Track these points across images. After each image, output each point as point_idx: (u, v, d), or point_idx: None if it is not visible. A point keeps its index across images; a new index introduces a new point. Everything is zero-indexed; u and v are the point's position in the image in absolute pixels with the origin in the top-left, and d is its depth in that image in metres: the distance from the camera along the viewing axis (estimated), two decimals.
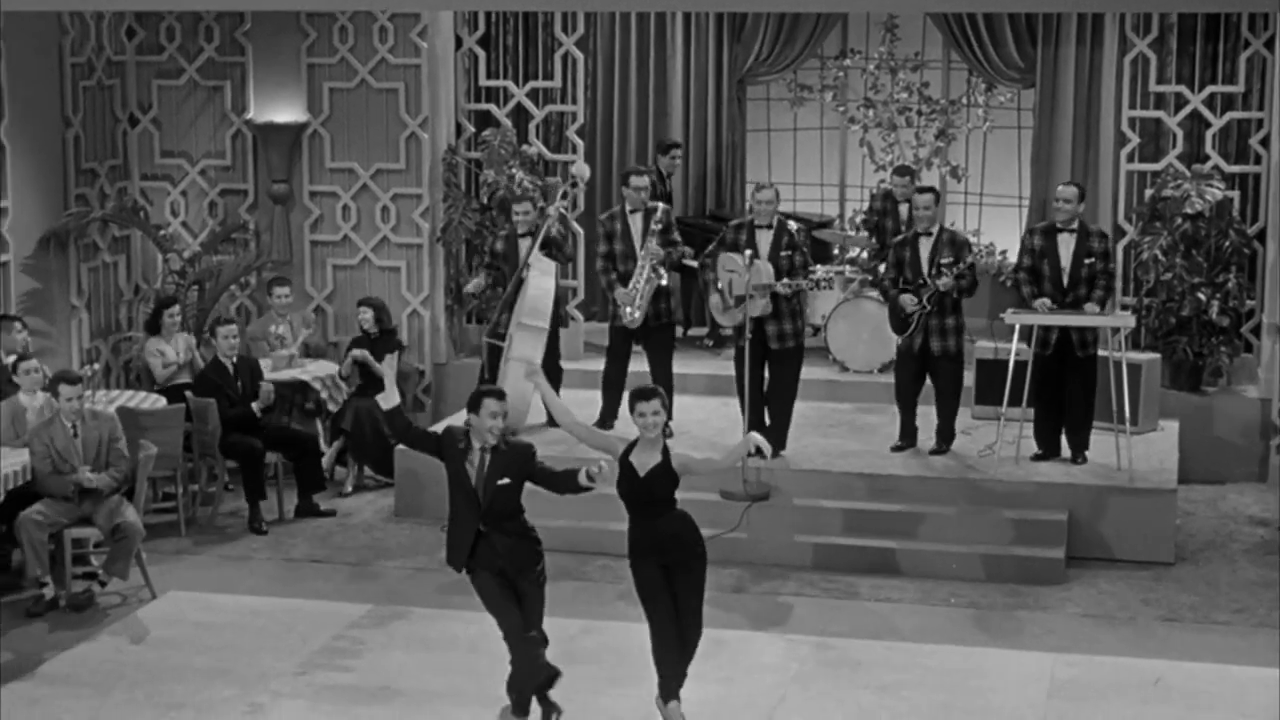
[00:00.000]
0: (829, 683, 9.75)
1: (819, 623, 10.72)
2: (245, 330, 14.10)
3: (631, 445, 8.68)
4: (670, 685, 8.77)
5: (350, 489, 13.46)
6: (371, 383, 13.11)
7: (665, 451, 8.66)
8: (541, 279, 12.79)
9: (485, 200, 14.57)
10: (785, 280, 12.10)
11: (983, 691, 9.63)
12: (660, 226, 12.74)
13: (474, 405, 8.53)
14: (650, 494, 8.63)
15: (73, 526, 10.93)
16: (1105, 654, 10.17)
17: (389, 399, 8.91)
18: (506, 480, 8.63)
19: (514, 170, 14.40)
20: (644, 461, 8.64)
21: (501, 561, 8.65)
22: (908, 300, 12.22)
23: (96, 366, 13.79)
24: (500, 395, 8.67)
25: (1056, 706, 9.40)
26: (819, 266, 14.37)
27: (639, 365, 12.92)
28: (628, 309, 12.73)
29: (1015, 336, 12.26)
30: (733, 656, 10.14)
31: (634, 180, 12.86)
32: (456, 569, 8.82)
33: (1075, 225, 12.15)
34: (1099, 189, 14.92)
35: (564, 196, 13.58)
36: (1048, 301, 12.05)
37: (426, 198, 14.59)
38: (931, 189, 12.76)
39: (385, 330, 13.75)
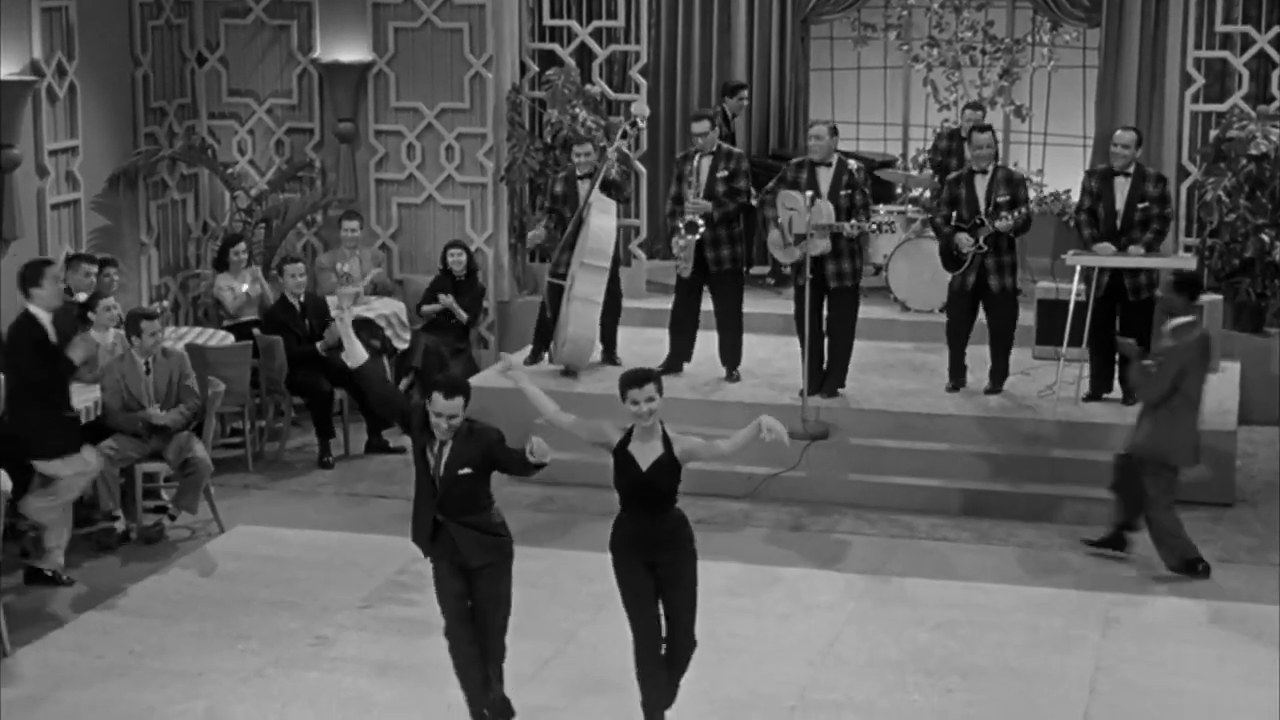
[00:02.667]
0: (884, 620, 9.85)
1: (875, 561, 10.81)
2: (314, 263, 14.29)
3: (628, 433, 7.87)
4: (655, 705, 7.97)
5: None
6: (445, 322, 13.37)
7: (666, 440, 7.85)
8: (602, 218, 12.84)
9: (549, 140, 14.63)
10: (852, 222, 12.08)
11: (1039, 629, 9.70)
12: (726, 174, 12.72)
13: (426, 393, 7.89)
14: (654, 489, 7.83)
15: (143, 461, 11.12)
16: (1160, 594, 10.22)
17: (353, 355, 8.19)
18: (468, 470, 7.83)
19: (577, 110, 14.46)
20: (645, 452, 7.82)
21: (459, 557, 7.92)
22: (964, 240, 12.21)
23: (166, 303, 13.99)
24: (450, 394, 7.76)
25: (1110, 646, 9.46)
26: (880, 207, 14.37)
27: (710, 305, 12.99)
28: (679, 261, 12.81)
29: (1076, 278, 12.26)
30: (790, 593, 10.26)
31: (693, 126, 12.87)
32: (423, 554, 8.16)
33: (1132, 169, 12.14)
34: (1163, 130, 14.85)
35: (624, 136, 13.61)
36: (1110, 246, 12.05)
37: (490, 137, 14.68)
38: (989, 127, 12.74)
39: (471, 272, 13.93)
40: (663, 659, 7.91)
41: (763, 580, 10.43)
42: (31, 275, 10.17)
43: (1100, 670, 9.11)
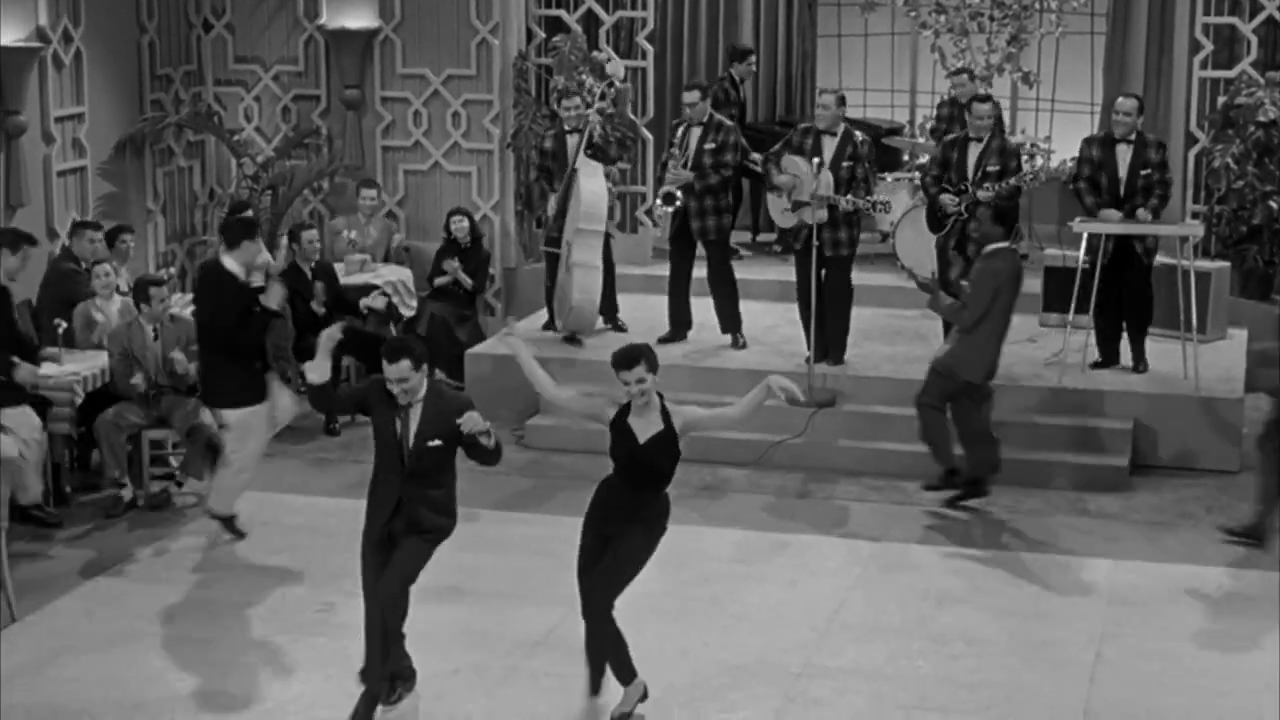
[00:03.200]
0: (890, 587, 9.87)
1: (880, 527, 10.83)
2: (327, 226, 14.31)
3: (627, 406, 7.74)
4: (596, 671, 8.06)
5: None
6: (451, 290, 13.39)
7: (665, 414, 7.72)
8: (591, 182, 12.82)
9: (555, 106, 14.62)
10: (848, 198, 12.08)
11: (1043, 597, 9.72)
12: (714, 145, 12.70)
13: (434, 361, 7.68)
14: (650, 465, 7.72)
15: (150, 428, 11.15)
16: (1167, 561, 10.23)
17: (319, 370, 8.10)
18: (438, 443, 7.69)
19: (584, 76, 14.45)
20: (643, 426, 7.71)
21: (398, 529, 7.86)
22: (948, 201, 12.22)
23: (173, 270, 14.00)
24: (394, 357, 7.58)
25: (1116, 612, 9.48)
26: (887, 175, 14.35)
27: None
28: (656, 229, 12.87)
29: (1083, 245, 12.25)
30: (796, 559, 10.28)
31: (685, 95, 12.88)
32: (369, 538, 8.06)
33: (1133, 136, 12.12)
34: (1171, 96, 14.81)
35: (602, 98, 13.59)
36: (1116, 213, 12.04)
37: (497, 104, 14.66)
38: (989, 97, 12.72)
39: (476, 238, 13.93)
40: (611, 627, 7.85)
41: (768, 547, 10.45)
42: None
43: (1105, 636, 9.13)
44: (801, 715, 8.24)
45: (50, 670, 8.71)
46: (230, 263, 10.16)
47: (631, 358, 7.63)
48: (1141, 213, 11.98)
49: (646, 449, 7.66)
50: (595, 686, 8.07)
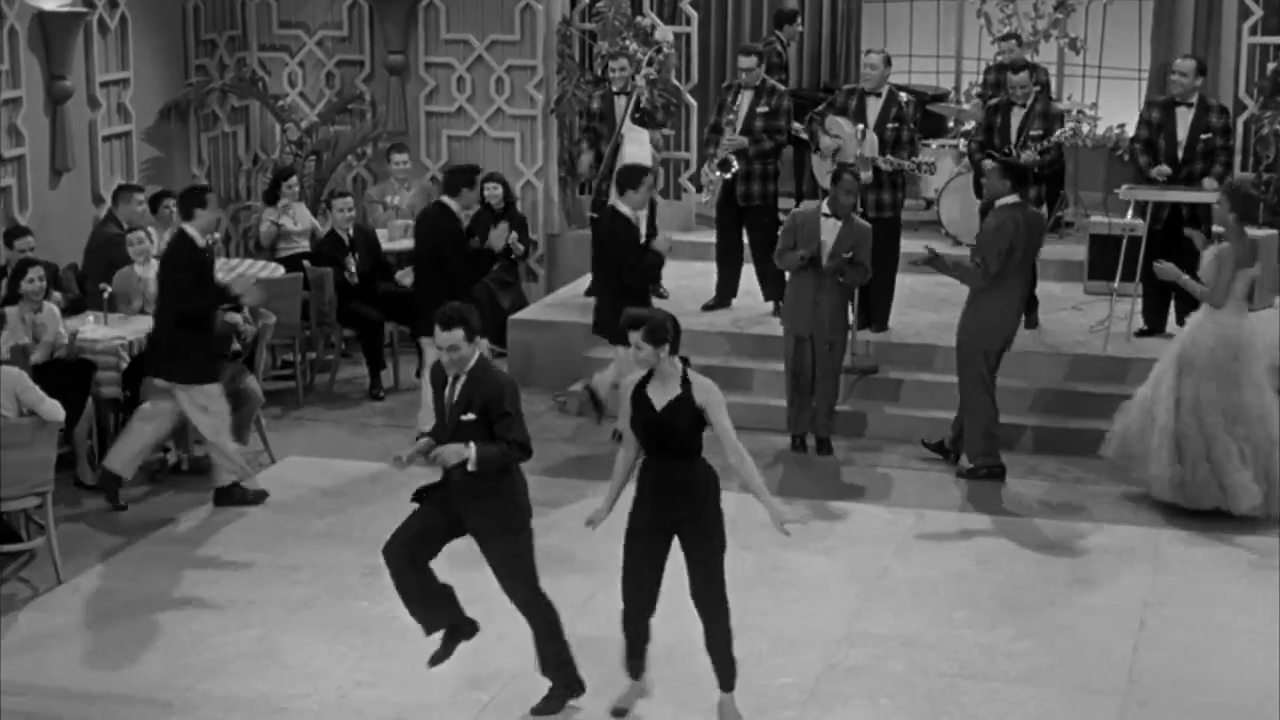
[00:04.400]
0: (930, 554, 9.86)
1: (922, 495, 10.81)
2: (363, 196, 14.32)
3: (650, 374, 7.50)
4: (635, 659, 7.85)
5: None
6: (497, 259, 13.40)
7: (686, 382, 7.44)
8: (635, 148, 12.80)
9: (599, 72, 14.59)
10: (887, 157, 12.05)
11: (1086, 565, 9.70)
12: (767, 110, 12.66)
13: (435, 324, 7.42)
14: (668, 429, 7.42)
15: None
16: (1208, 531, 10.18)
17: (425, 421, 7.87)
18: (471, 416, 7.45)
19: (627, 42, 14.41)
20: (662, 393, 7.45)
21: (455, 506, 7.61)
22: (989, 165, 12.16)
23: (217, 235, 14.02)
24: (447, 325, 7.39)
25: (1160, 581, 9.45)
26: (931, 141, 14.29)
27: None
28: (704, 195, 12.85)
29: (1130, 211, 12.17)
30: (836, 527, 10.27)
31: (741, 60, 12.82)
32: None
33: (1194, 99, 12.00)
34: (1220, 62, 14.70)
35: (650, 63, 13.55)
36: (1165, 169, 11.92)
37: (541, 69, 14.63)
38: (1027, 65, 12.65)
39: (509, 203, 13.93)
40: (645, 631, 7.69)
41: (810, 514, 10.44)
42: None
43: (1148, 606, 9.10)
44: (843, 682, 8.25)
45: (98, 633, 8.79)
46: (190, 230, 10.35)
47: (634, 321, 7.44)
48: (1208, 181, 11.83)
49: (662, 414, 7.42)
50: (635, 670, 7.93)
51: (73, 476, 10.60)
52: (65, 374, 10.50)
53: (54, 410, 9.36)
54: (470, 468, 7.41)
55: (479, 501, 7.55)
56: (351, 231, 13.07)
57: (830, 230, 11.13)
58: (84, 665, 8.41)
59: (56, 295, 11.21)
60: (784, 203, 14.59)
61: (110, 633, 8.78)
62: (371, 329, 12.93)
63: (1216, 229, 10.84)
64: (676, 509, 7.51)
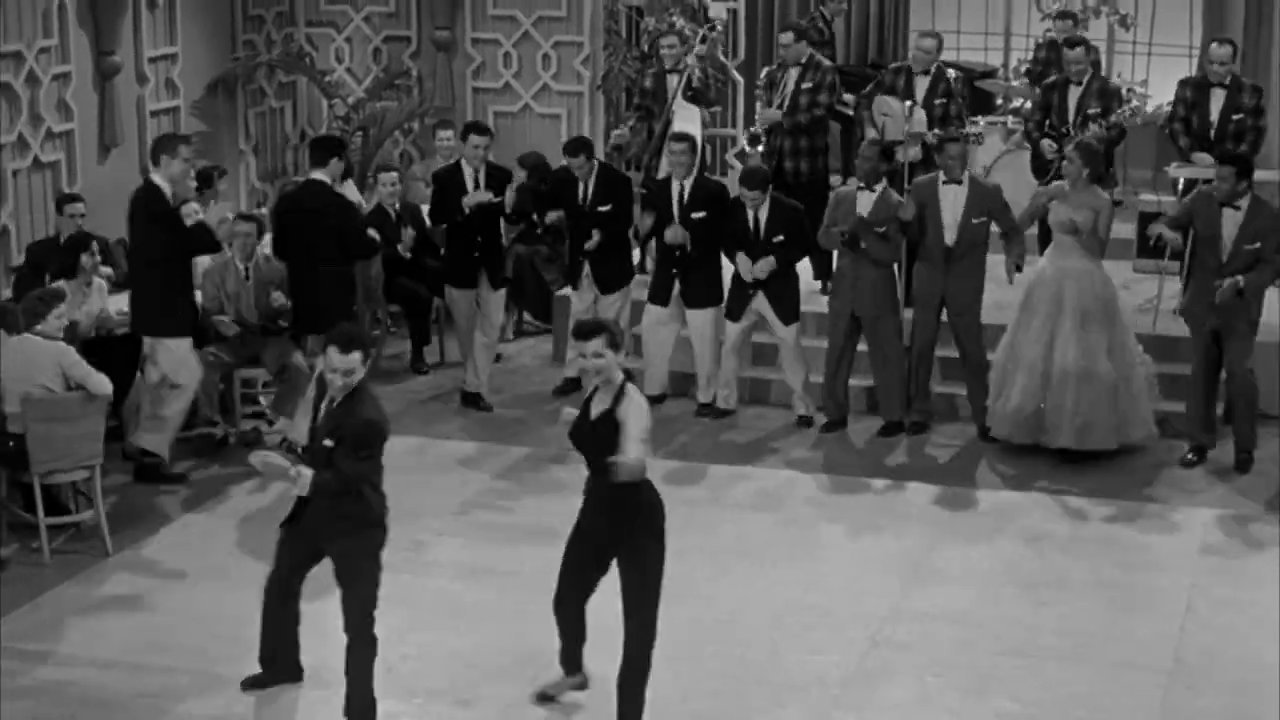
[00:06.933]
0: (977, 532, 9.83)
1: (966, 473, 10.78)
2: (408, 173, 14.32)
3: (595, 390, 7.21)
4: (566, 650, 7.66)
5: (511, 335, 13.58)
6: (533, 231, 13.33)
7: (620, 398, 7.03)
8: (685, 126, 12.78)
9: (646, 48, 14.57)
10: (936, 131, 12.03)
11: (1133, 546, 9.66)
12: (810, 85, 12.63)
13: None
14: (591, 444, 7.12)
15: (242, 367, 11.25)
16: (1259, 510, 10.13)
17: (298, 430, 7.62)
18: (329, 443, 7.16)
19: (674, 18, 14.37)
20: (598, 405, 7.13)
21: (311, 530, 7.45)
22: (1046, 146, 12.13)
23: (264, 209, 14.07)
24: (346, 347, 7.06)
25: (1207, 562, 9.41)
26: (980, 118, 14.21)
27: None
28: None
29: (1179, 190, 12.09)
30: (880, 505, 10.26)
31: (781, 36, 12.83)
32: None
33: (1228, 80, 11.94)
34: (1271, 40, 14.57)
35: (703, 41, 13.53)
36: (1208, 157, 11.86)
37: (587, 45, 14.62)
38: (1082, 41, 12.58)
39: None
40: (576, 626, 7.51)
41: (852, 490, 10.43)
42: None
43: (1195, 586, 9.06)
44: (887, 658, 8.24)
45: (147, 605, 8.84)
46: (158, 180, 10.38)
47: (589, 329, 7.06)
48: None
49: (591, 426, 7.09)
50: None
51: (121, 450, 10.65)
52: (114, 348, 10.56)
53: (102, 384, 9.41)
54: (304, 493, 7.19)
55: (336, 524, 7.37)
56: (398, 206, 13.08)
57: (866, 203, 11.11)
58: (132, 637, 8.46)
59: (106, 270, 11.27)
60: (835, 180, 14.56)
61: (159, 606, 8.83)
62: (418, 304, 12.95)
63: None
64: (608, 527, 7.17)
